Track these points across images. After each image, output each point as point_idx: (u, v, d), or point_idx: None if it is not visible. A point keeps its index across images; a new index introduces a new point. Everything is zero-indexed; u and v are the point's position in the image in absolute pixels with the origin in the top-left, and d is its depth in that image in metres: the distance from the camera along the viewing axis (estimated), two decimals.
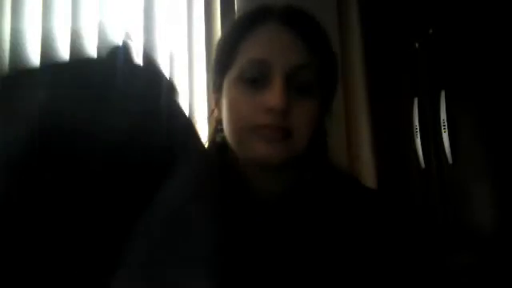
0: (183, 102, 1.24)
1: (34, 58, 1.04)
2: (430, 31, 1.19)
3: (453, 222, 1.13)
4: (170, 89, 0.56)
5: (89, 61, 0.49)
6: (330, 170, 0.74)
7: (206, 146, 0.75)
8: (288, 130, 0.65)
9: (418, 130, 1.22)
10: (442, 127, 1.11)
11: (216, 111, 0.72)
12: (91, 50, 1.06)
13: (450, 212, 1.14)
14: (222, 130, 0.71)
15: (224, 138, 0.71)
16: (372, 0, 1.55)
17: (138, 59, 0.56)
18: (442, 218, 1.15)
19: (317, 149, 0.73)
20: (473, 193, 1.07)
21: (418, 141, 1.22)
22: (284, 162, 0.66)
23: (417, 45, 1.24)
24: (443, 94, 1.11)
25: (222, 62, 0.71)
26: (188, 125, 0.53)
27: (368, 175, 1.46)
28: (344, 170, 0.78)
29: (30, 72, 0.48)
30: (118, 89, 0.47)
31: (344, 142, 1.65)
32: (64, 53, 1.04)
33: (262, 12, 0.70)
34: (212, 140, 0.75)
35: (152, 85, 0.52)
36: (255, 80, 0.66)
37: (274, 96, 0.64)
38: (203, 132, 0.77)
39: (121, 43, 0.51)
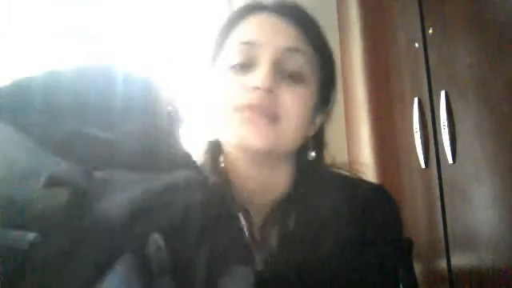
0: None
1: None
2: (430, 31, 1.19)
3: (453, 222, 1.13)
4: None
5: None
6: (324, 176, 0.71)
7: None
8: (274, 114, 0.61)
9: (418, 130, 1.22)
10: (442, 127, 1.11)
11: None
12: None
13: (450, 212, 1.14)
14: None
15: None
16: (372, 0, 1.55)
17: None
18: (442, 217, 1.15)
19: (316, 151, 0.70)
20: (473, 193, 1.07)
21: (418, 141, 1.22)
22: (271, 150, 0.62)
23: (417, 45, 1.24)
24: (443, 93, 1.11)
25: (211, 52, 0.69)
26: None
27: (368, 175, 1.46)
28: (341, 172, 0.76)
29: None
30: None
31: (344, 142, 1.65)
32: None
33: (254, 4, 0.69)
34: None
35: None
36: (243, 66, 0.63)
37: (259, 75, 0.61)
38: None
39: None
